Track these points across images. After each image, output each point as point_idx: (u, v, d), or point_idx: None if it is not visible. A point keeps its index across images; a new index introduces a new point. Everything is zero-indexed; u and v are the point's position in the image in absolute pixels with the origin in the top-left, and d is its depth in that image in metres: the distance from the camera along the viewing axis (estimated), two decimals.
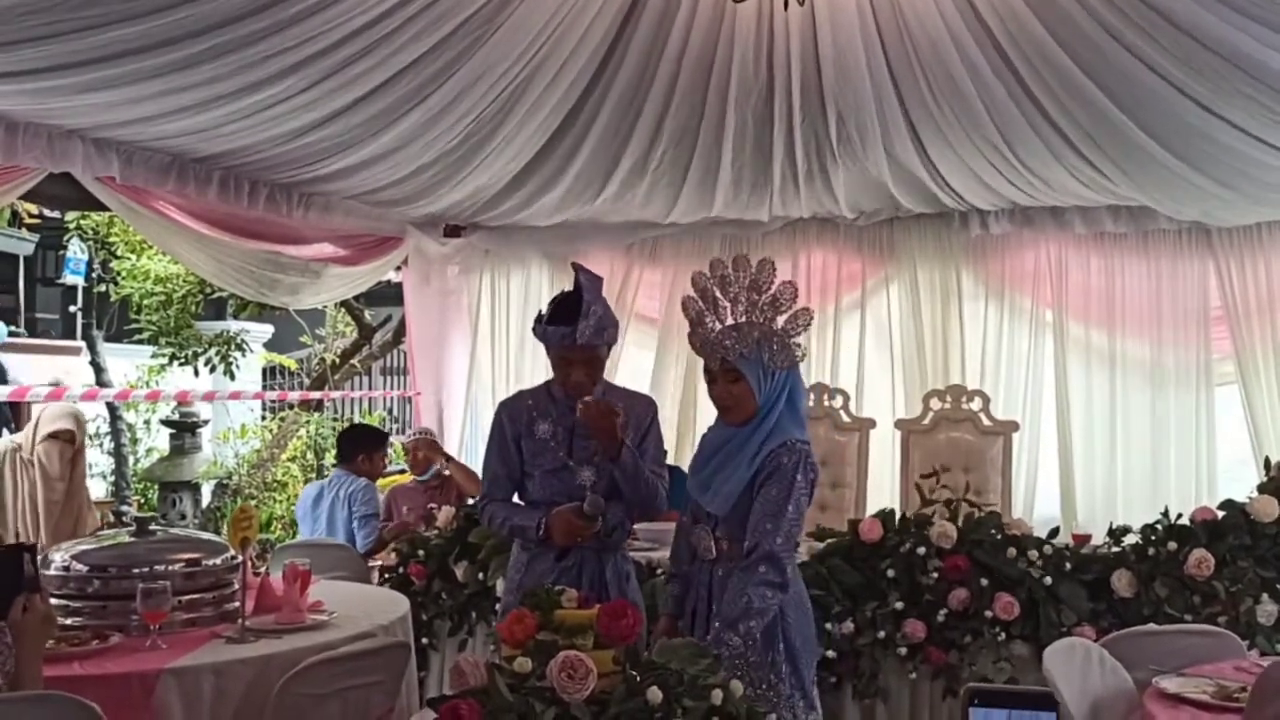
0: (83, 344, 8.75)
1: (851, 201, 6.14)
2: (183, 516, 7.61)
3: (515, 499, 3.55)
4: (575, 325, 3.26)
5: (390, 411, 11.04)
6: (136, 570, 3.27)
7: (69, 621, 3.20)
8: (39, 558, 2.80)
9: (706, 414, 6.33)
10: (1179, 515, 4.26)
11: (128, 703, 2.71)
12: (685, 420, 6.67)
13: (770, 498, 3.01)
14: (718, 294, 3.14)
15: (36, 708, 2.37)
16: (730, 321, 3.11)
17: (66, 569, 3.31)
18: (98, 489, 8.63)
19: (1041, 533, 4.41)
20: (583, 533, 3.31)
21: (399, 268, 7.06)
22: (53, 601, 3.27)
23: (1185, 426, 6.09)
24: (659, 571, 4.32)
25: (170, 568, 3.32)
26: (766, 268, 3.11)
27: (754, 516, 3.02)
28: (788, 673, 3.06)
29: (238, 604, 3.32)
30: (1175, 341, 6.13)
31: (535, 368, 6.83)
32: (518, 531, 3.44)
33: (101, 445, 8.38)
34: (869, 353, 6.54)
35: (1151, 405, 6.17)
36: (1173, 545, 4.12)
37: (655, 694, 2.20)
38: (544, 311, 3.42)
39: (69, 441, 4.16)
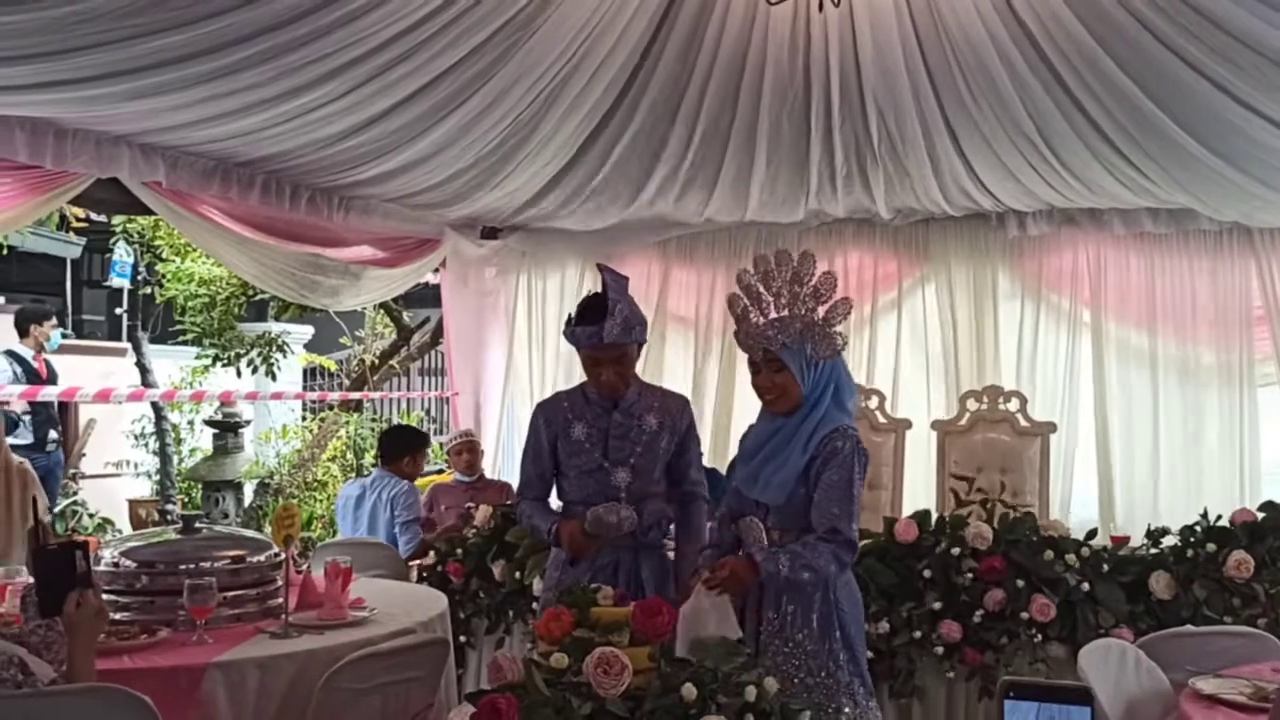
0: (128, 345, 8.89)
1: (890, 202, 6.14)
2: (225, 515, 7.71)
3: (553, 498, 3.61)
4: (602, 325, 3.31)
5: (428, 412, 11.13)
6: (183, 566, 3.34)
7: (118, 616, 3.27)
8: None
9: (743, 414, 6.40)
10: (1218, 517, 4.24)
11: (175, 695, 2.77)
12: (722, 421, 6.69)
13: (834, 482, 3.05)
14: (761, 289, 3.20)
15: (91, 699, 2.43)
16: (774, 315, 3.17)
17: (116, 565, 3.39)
18: (142, 488, 8.80)
19: (1078, 534, 4.39)
20: (584, 548, 3.37)
21: (437, 270, 7.12)
22: (103, 597, 3.37)
23: (1226, 428, 6.05)
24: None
25: (215, 564, 3.39)
26: (808, 260, 3.18)
27: (821, 502, 3.05)
28: (846, 660, 3.10)
29: (281, 600, 3.39)
30: (1216, 342, 6.08)
31: (572, 368, 6.87)
32: (534, 532, 3.51)
33: (147, 445, 8.52)
34: (905, 353, 6.54)
35: (1191, 406, 6.13)
36: (1212, 547, 4.10)
37: (690, 690, 2.23)
38: (573, 314, 3.47)
39: None
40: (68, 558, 2.69)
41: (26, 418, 6.95)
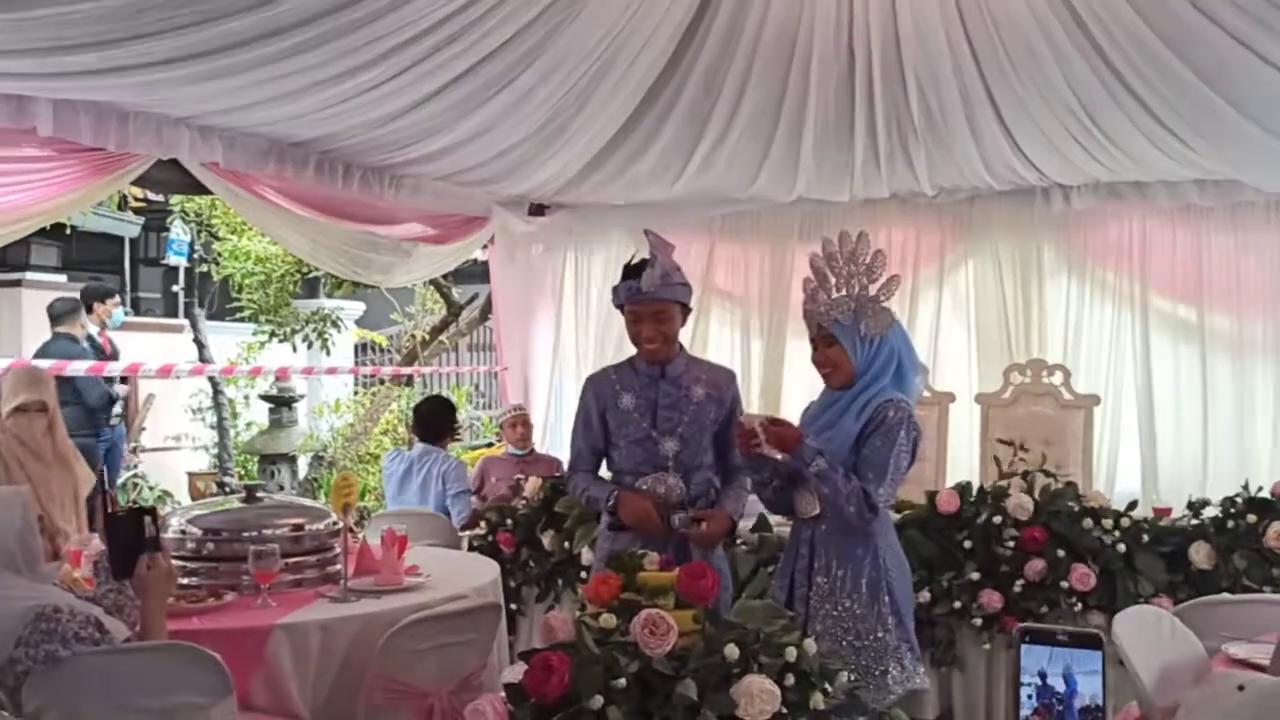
0: (185, 322, 9.10)
1: (933, 179, 6.16)
2: (281, 488, 7.90)
3: (603, 469, 3.70)
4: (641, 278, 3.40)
5: (476, 387, 11.29)
6: (246, 534, 3.48)
7: (184, 581, 3.42)
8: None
9: (792, 390, 6.47)
10: (1259, 488, 4.26)
11: (242, 654, 2.89)
12: (770, 396, 6.76)
13: (875, 448, 3.14)
14: (828, 271, 3.29)
15: (165, 656, 2.56)
16: (837, 295, 3.27)
17: (183, 533, 3.53)
18: (200, 461, 9.03)
19: (1121, 508, 4.43)
20: (649, 521, 3.41)
21: (485, 246, 7.22)
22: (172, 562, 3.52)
23: (1271, 400, 6.03)
24: (739, 541, 4.45)
25: (277, 532, 3.52)
26: (864, 239, 3.28)
27: (860, 465, 3.15)
28: (894, 624, 3.18)
29: (339, 566, 3.52)
30: (1262, 315, 6.06)
31: (619, 342, 6.97)
32: (592, 501, 3.59)
33: (204, 419, 8.74)
34: (948, 328, 6.57)
35: (1237, 379, 6.12)
36: (1252, 518, 4.13)
37: (732, 650, 2.32)
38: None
39: (40, 411, 4.14)
40: (137, 523, 2.81)
41: (121, 398, 7.14)
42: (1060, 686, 1.49)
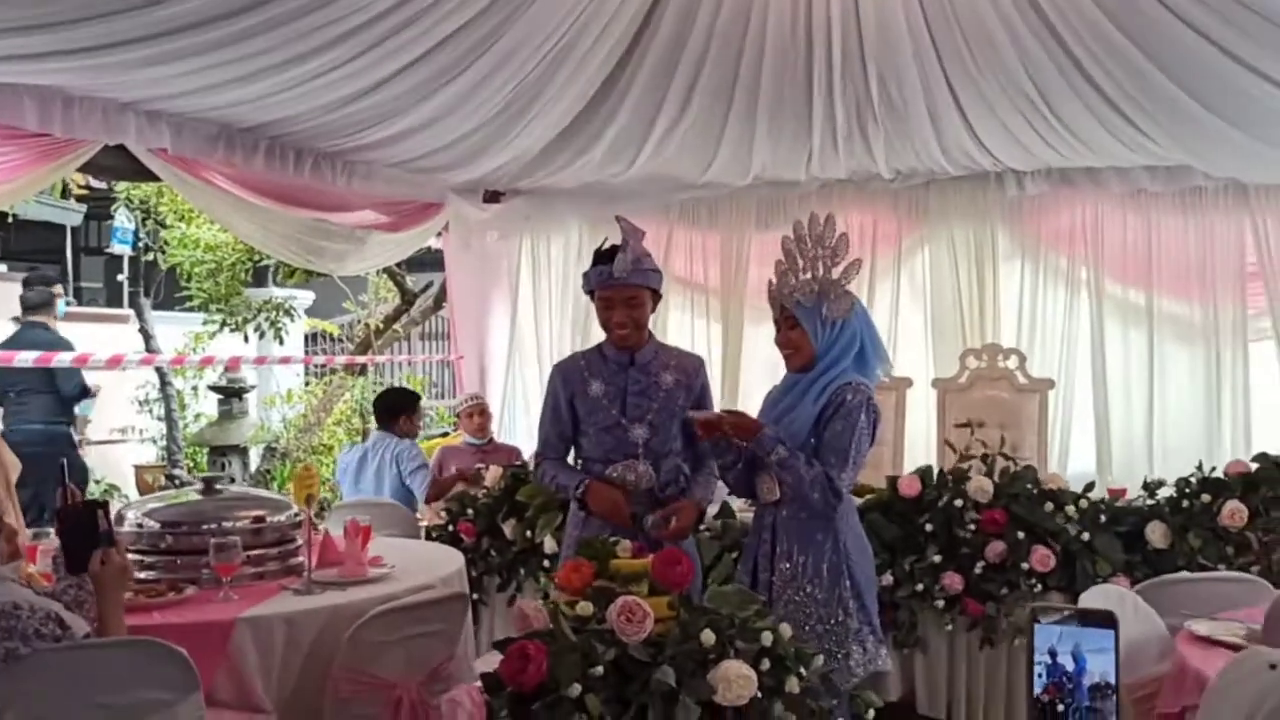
0: (130, 312, 8.92)
1: (890, 163, 6.19)
2: (232, 480, 7.77)
3: (570, 457, 3.67)
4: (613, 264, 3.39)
5: (430, 376, 11.20)
6: (206, 526, 3.42)
7: (143, 575, 3.36)
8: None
9: (749, 375, 6.47)
10: (1213, 469, 4.34)
11: (205, 648, 2.84)
12: (727, 382, 6.76)
13: (836, 432, 3.17)
14: (796, 253, 3.31)
15: (128, 651, 2.51)
16: (805, 277, 3.29)
17: (140, 526, 3.46)
18: (148, 453, 8.86)
19: (1076, 489, 4.49)
20: (619, 513, 3.41)
21: (440, 234, 7.15)
22: (127, 556, 3.44)
23: (1221, 382, 6.13)
24: (703, 527, 4.44)
25: (238, 524, 3.47)
26: (831, 222, 3.32)
27: (821, 449, 3.17)
28: (855, 608, 3.21)
29: (302, 558, 3.46)
30: (1211, 298, 6.15)
31: (575, 330, 6.95)
32: (561, 489, 3.58)
33: (152, 411, 8.58)
34: (905, 312, 6.61)
35: (1187, 361, 6.22)
36: (1206, 497, 4.21)
37: (709, 636, 2.32)
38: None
39: None
40: (90, 517, 2.74)
41: (95, 391, 7.03)
42: (1070, 665, 1.50)
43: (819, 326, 3.24)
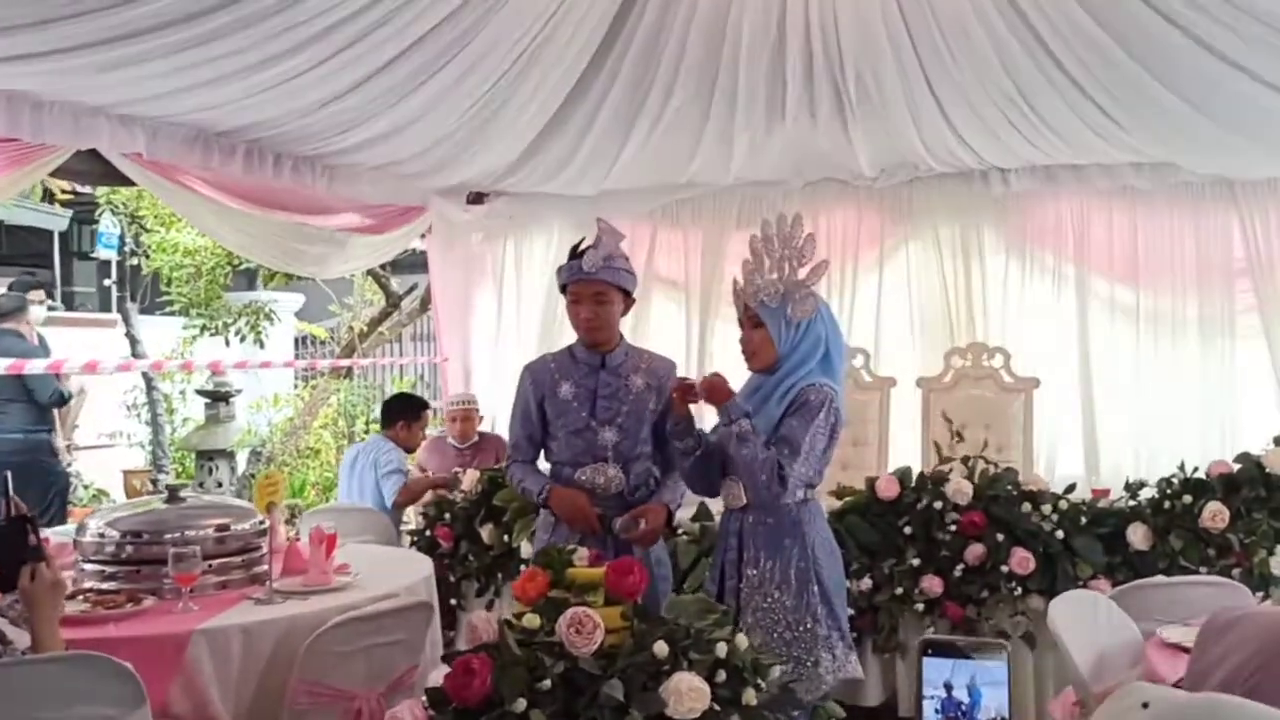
0: (118, 317, 8.88)
1: (872, 161, 6.14)
2: (219, 484, 7.72)
3: (541, 460, 3.63)
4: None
5: (421, 377, 11.16)
6: (168, 535, 3.37)
7: (104, 586, 3.32)
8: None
9: (735, 376, 6.41)
10: (1194, 469, 4.28)
11: (160, 662, 2.81)
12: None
13: (791, 426, 3.15)
14: (764, 253, 3.28)
15: (72, 666, 2.45)
16: (771, 276, 3.26)
17: (101, 535, 3.42)
18: (137, 458, 8.83)
19: (1064, 489, 4.44)
20: (583, 516, 3.38)
21: (423, 236, 7.12)
22: (88, 567, 3.40)
23: (1209, 380, 6.07)
24: (680, 530, 4.41)
25: (200, 533, 3.42)
26: (798, 222, 3.29)
27: (775, 442, 3.14)
28: (824, 614, 3.16)
29: (266, 567, 3.42)
30: (1199, 295, 6.09)
31: (561, 331, 6.89)
32: (525, 494, 3.54)
33: (139, 416, 8.54)
34: (889, 311, 6.55)
35: (1175, 359, 6.15)
36: (1188, 499, 4.16)
37: (662, 648, 2.26)
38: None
39: None
40: (19, 532, 2.63)
41: (70, 396, 6.99)
42: (965, 698, 1.45)
43: (783, 327, 3.21)
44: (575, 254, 3.46)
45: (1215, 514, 4.04)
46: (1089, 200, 6.28)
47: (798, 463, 3.11)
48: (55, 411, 6.96)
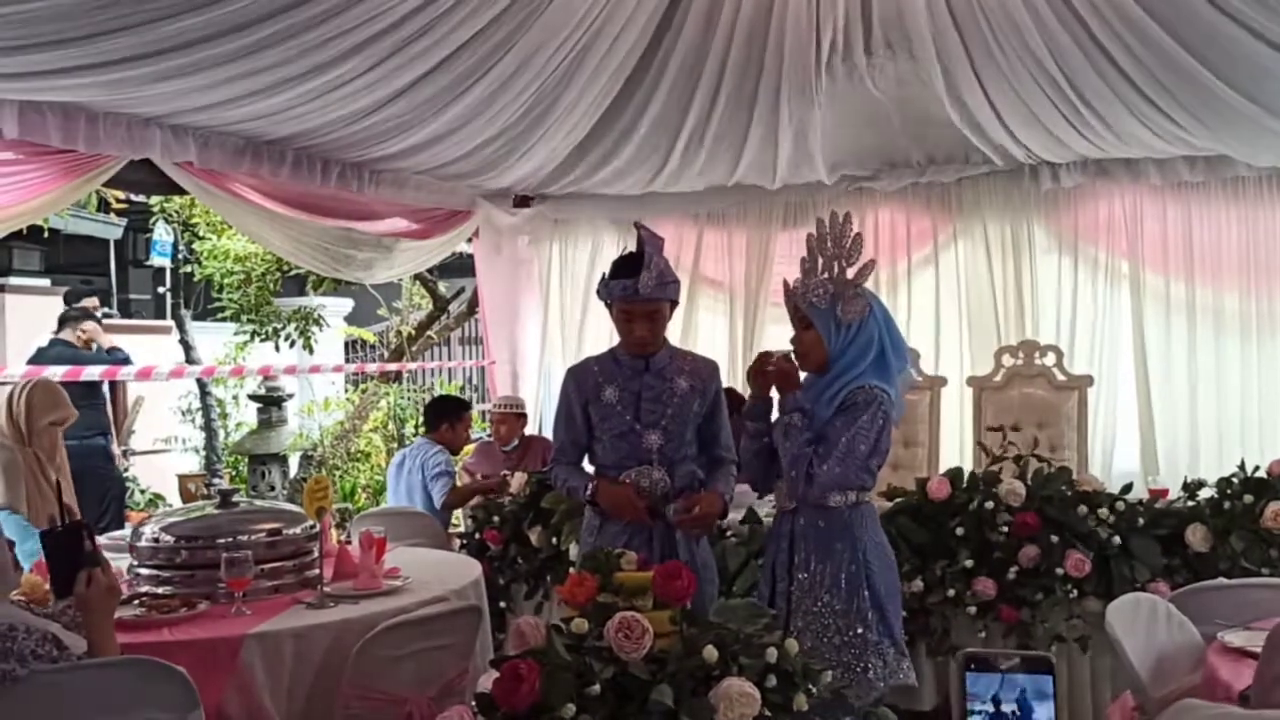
0: (172, 324, 9.02)
1: (919, 156, 6.07)
2: (271, 488, 7.83)
3: (585, 463, 3.63)
4: (638, 278, 3.34)
5: (470, 380, 11.22)
6: (221, 540, 3.39)
7: (159, 590, 3.36)
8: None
9: None
10: (1255, 468, 4.19)
11: (214, 666, 2.83)
12: None
13: (834, 427, 3.12)
14: (817, 253, 3.25)
15: (125, 671, 2.48)
16: (819, 277, 3.23)
17: (156, 540, 3.46)
18: (191, 463, 8.96)
19: (1120, 487, 4.36)
20: (630, 507, 3.37)
21: (470, 239, 7.15)
22: (143, 571, 3.45)
23: (1268, 376, 5.94)
24: (728, 533, 4.38)
25: (253, 537, 3.44)
26: (847, 221, 3.25)
27: (814, 441, 3.12)
28: (875, 620, 3.12)
29: (317, 571, 3.44)
30: (1256, 290, 5.96)
31: (603, 334, 6.89)
32: (571, 493, 3.54)
33: (193, 420, 8.66)
34: (939, 310, 6.47)
35: (1233, 355, 6.02)
36: (1249, 498, 4.06)
37: (711, 652, 2.24)
38: (607, 273, 3.48)
39: (60, 424, 4.52)
40: (74, 538, 2.67)
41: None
42: (1015, 709, 1.42)
43: (833, 328, 3.17)
44: (621, 269, 3.42)
45: (1277, 513, 3.94)
46: (1142, 195, 6.16)
47: (830, 463, 3.07)
48: (110, 417, 7.08)
